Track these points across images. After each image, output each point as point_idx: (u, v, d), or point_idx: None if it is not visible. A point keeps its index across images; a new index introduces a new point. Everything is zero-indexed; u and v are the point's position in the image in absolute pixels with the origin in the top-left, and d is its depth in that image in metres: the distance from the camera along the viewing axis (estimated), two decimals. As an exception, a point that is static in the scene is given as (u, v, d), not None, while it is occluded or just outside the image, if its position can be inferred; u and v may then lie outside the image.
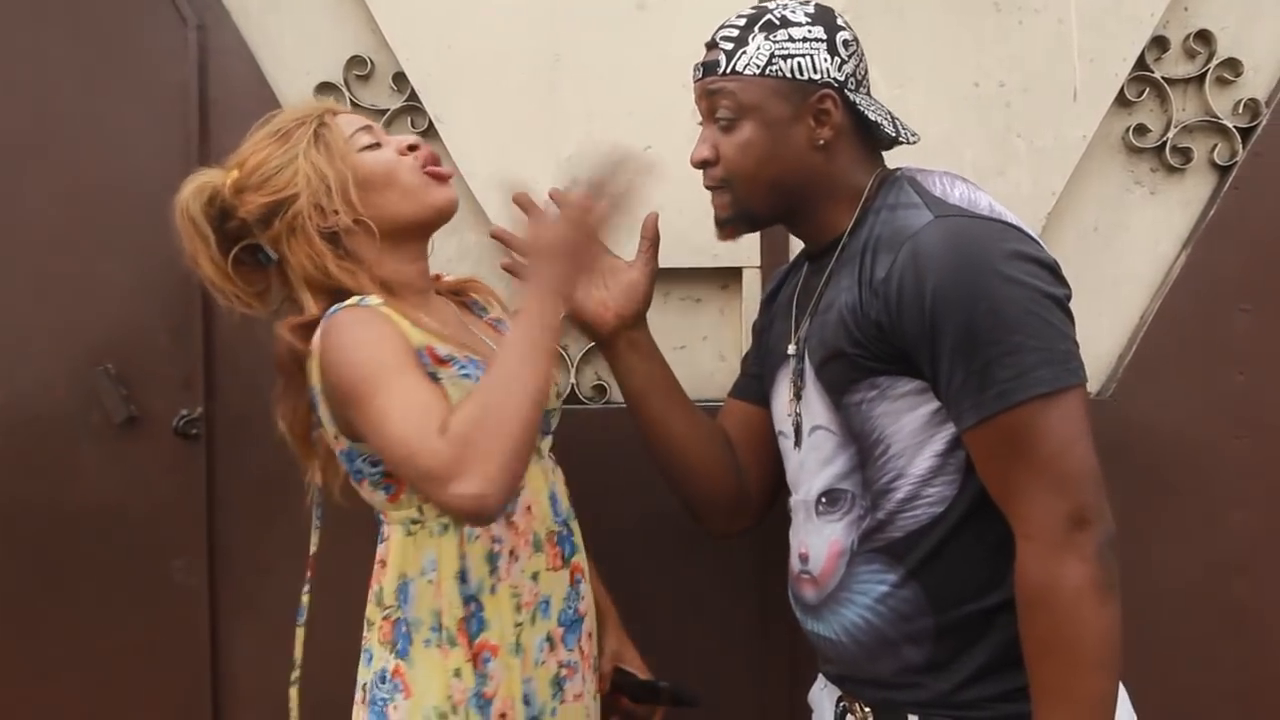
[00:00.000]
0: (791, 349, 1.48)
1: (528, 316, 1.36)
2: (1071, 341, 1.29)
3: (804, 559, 1.46)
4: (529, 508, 1.51)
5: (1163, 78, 1.98)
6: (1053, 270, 1.32)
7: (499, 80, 1.95)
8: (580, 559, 1.58)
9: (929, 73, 1.92)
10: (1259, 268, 1.97)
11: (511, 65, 1.95)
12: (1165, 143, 1.98)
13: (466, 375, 1.43)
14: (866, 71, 1.47)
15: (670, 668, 1.95)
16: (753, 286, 1.96)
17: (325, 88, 1.97)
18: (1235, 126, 1.98)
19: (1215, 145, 1.99)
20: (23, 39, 1.97)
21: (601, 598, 1.72)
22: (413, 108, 1.98)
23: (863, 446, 1.38)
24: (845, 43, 1.42)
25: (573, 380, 1.99)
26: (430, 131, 1.96)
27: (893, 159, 1.50)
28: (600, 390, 2.00)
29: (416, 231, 1.53)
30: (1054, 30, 1.94)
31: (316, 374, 1.42)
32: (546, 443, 1.60)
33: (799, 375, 1.46)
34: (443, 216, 1.53)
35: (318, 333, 1.42)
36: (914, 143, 1.47)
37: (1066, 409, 1.25)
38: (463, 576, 1.44)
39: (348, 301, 1.42)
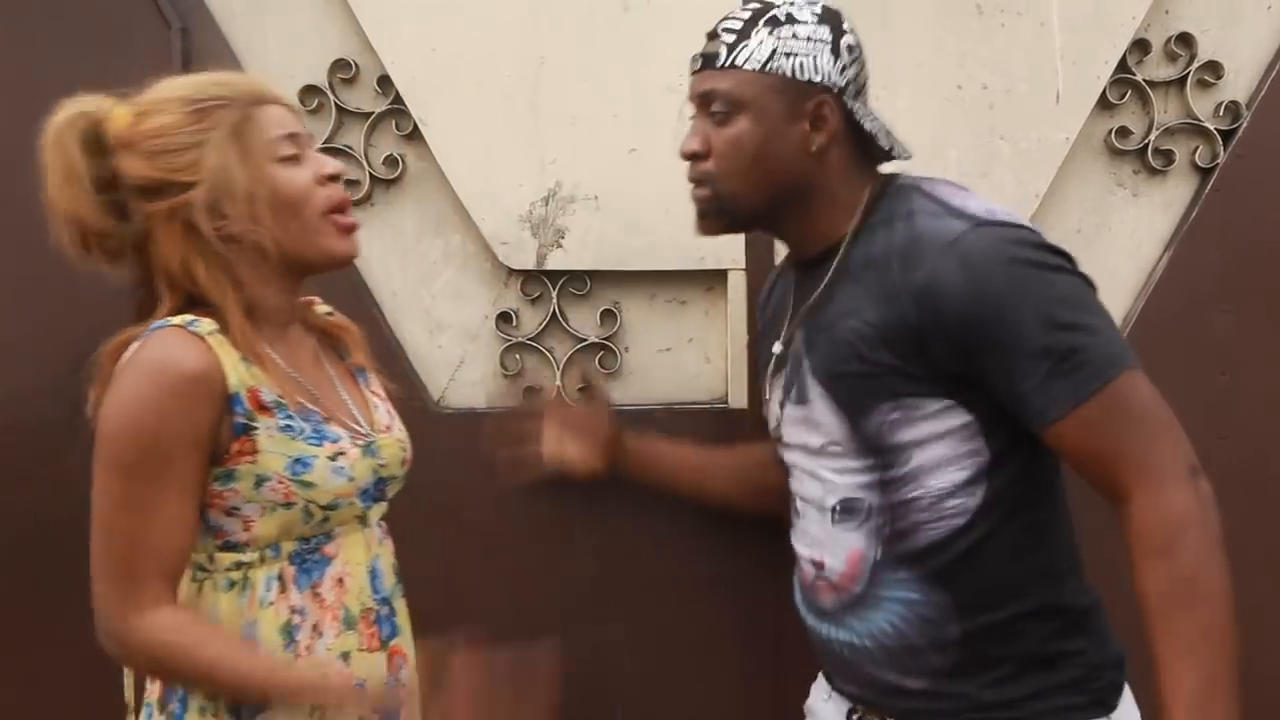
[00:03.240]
0: (777, 347, 1.46)
1: (303, 682, 1.28)
2: None
3: (819, 566, 1.43)
4: (341, 580, 1.35)
5: (1144, 80, 1.99)
6: (1074, 262, 1.34)
7: (484, 83, 1.95)
8: (402, 642, 1.42)
9: (913, 75, 1.93)
10: (1240, 269, 1.98)
11: (496, 68, 1.95)
12: (1147, 145, 1.99)
13: (289, 428, 1.28)
14: (868, 80, 1.43)
15: (656, 661, 1.96)
16: (738, 289, 1.96)
17: (310, 90, 1.97)
18: (1216, 129, 1.99)
19: (1197, 147, 2.00)
20: (4, 43, 1.95)
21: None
22: (397, 110, 1.97)
23: (883, 463, 1.34)
24: (849, 47, 1.38)
25: (559, 383, 1.99)
26: (415, 134, 1.96)
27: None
28: (585, 393, 2.00)
29: (304, 268, 1.37)
30: (1036, 33, 1.95)
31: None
32: (377, 510, 1.44)
33: (795, 386, 1.43)
34: (337, 266, 1.40)
35: (133, 347, 1.27)
36: (907, 159, 1.44)
37: (1146, 380, 1.28)
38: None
39: (175, 319, 1.26)
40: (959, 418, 1.31)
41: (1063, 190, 2.00)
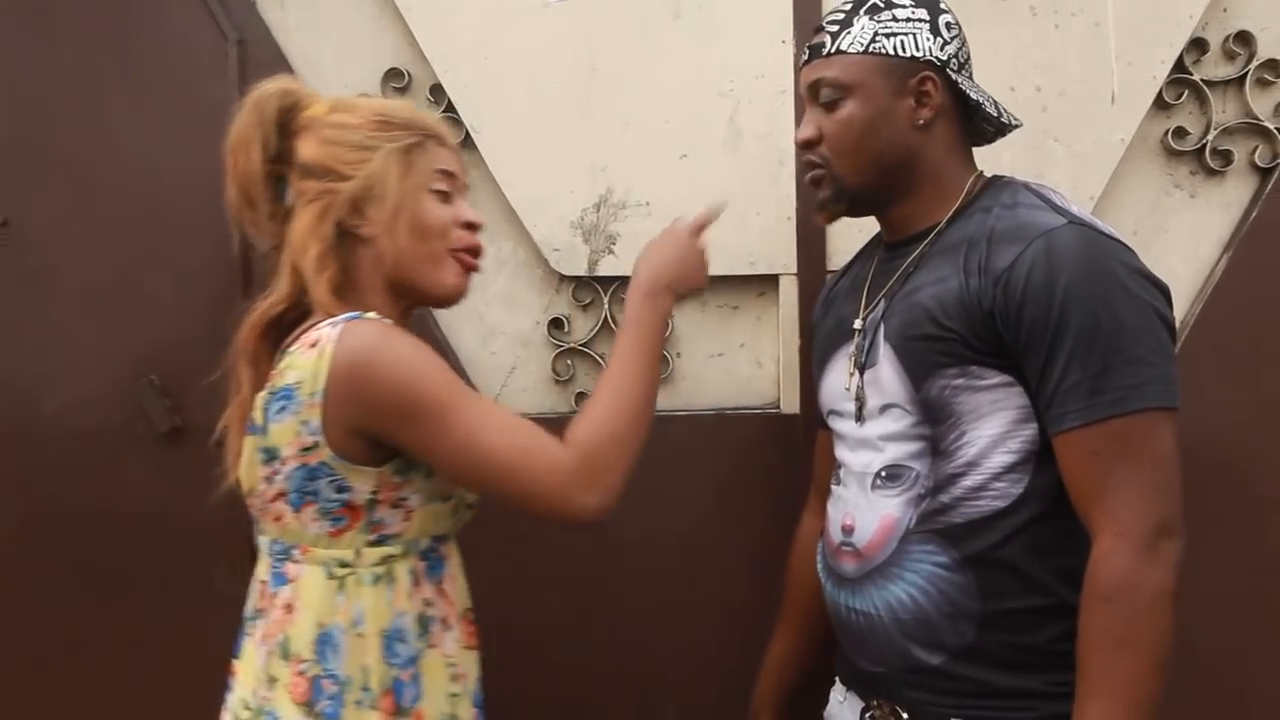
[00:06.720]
0: (858, 323, 1.49)
1: (632, 324, 1.42)
2: (1175, 367, 1.31)
3: (848, 531, 1.46)
4: (454, 579, 1.45)
5: (1202, 80, 1.96)
6: (1167, 295, 1.34)
7: (535, 91, 1.96)
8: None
9: (965, 78, 1.92)
10: (1302, 270, 1.95)
11: (547, 76, 1.96)
12: (1205, 145, 1.97)
13: None
14: (969, 56, 1.49)
15: (707, 665, 1.95)
16: (790, 294, 1.96)
17: (363, 100, 1.99)
18: (1276, 128, 1.96)
19: (1256, 147, 1.97)
20: (65, 57, 2.00)
21: None
22: (450, 119, 1.99)
23: (937, 430, 1.38)
24: (948, 25, 1.46)
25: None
26: (467, 142, 1.98)
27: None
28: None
29: (414, 292, 1.45)
30: (1091, 33, 1.93)
31: (320, 376, 1.28)
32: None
33: (867, 351, 1.46)
34: (443, 300, 1.48)
35: (333, 333, 1.29)
36: (1018, 126, 1.50)
37: (1170, 428, 1.28)
38: (401, 635, 1.35)
39: (369, 314, 1.33)
40: (1018, 398, 1.34)
41: (1118, 192, 1.97)
